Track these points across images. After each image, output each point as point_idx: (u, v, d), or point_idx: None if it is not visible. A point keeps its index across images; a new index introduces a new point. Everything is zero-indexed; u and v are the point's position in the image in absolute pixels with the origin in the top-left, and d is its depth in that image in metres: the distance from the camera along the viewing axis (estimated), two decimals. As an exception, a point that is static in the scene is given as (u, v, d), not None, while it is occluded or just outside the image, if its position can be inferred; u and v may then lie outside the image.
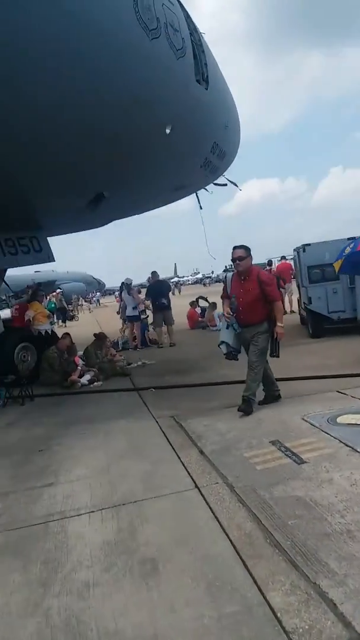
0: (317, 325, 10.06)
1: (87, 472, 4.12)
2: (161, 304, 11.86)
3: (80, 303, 38.06)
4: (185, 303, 16.41)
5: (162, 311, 11.86)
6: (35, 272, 31.49)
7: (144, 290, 13.80)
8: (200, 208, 10.70)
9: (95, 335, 9.48)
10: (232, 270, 5.60)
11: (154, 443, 4.67)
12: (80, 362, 8.86)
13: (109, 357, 9.05)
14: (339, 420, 4.55)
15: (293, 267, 14.68)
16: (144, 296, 12.98)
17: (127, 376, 8.39)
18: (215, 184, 10.26)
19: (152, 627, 2.16)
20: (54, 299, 24.05)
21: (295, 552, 2.55)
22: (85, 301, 43.43)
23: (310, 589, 2.25)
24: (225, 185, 10.43)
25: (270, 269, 16.86)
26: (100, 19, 4.73)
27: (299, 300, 12.78)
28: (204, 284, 68.57)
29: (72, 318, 27.06)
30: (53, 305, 22.86)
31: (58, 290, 27.15)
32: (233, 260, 5.32)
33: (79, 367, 8.51)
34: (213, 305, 13.93)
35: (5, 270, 9.82)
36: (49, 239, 9.02)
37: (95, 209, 7.78)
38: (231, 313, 5.23)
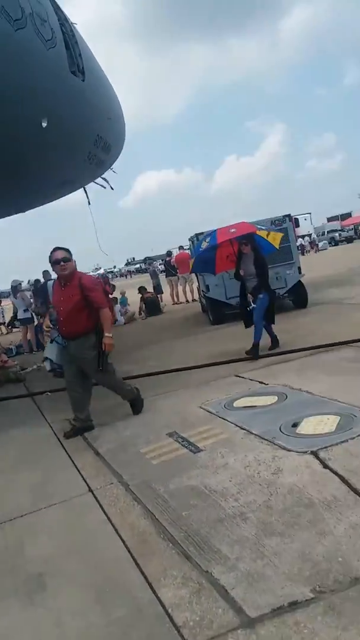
0: (217, 312, 10.02)
1: (-30, 491, 3.77)
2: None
3: None
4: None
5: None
6: None
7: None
8: (89, 203, 10.41)
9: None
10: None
11: (46, 450, 4.43)
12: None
13: (-1, 364, 8.49)
14: (235, 404, 4.58)
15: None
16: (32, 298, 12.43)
17: (22, 382, 7.95)
18: (96, 183, 10.08)
19: (36, 647, 1.99)
20: None
21: (188, 543, 2.49)
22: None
23: (202, 579, 2.20)
24: (104, 188, 10.29)
25: (170, 259, 17.03)
26: None
27: (198, 289, 12.91)
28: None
29: None
30: None
31: None
32: (54, 263, 4.57)
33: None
34: (114, 301, 13.70)
35: None
36: None
37: None
38: (51, 326, 4.75)
